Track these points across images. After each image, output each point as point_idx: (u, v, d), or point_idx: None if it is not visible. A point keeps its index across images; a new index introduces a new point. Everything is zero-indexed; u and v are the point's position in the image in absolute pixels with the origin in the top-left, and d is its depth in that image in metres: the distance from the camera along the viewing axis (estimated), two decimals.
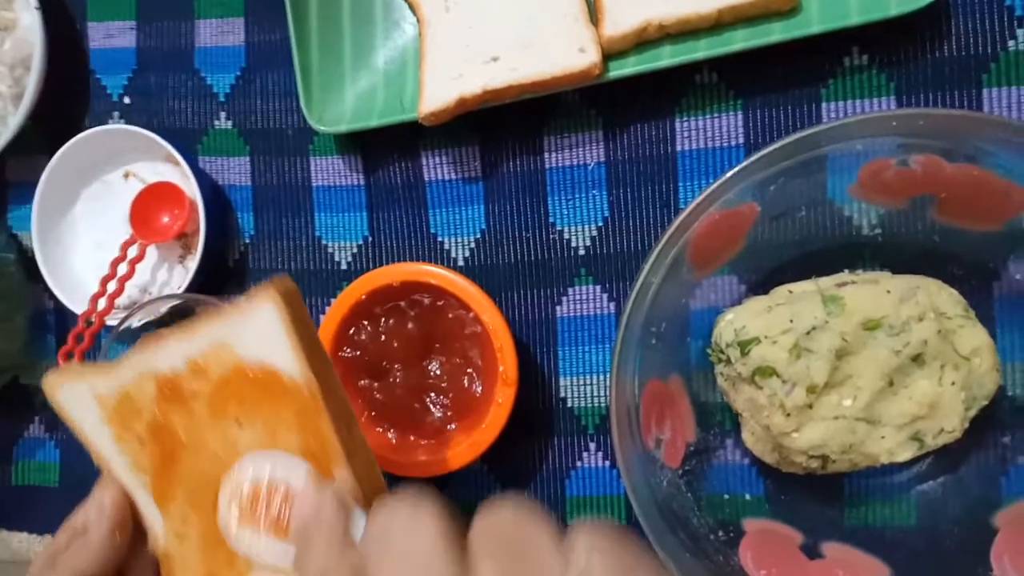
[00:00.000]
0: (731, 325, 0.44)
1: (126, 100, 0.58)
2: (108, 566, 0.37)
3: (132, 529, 0.37)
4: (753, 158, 0.40)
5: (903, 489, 0.46)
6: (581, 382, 0.52)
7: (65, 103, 0.59)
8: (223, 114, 0.56)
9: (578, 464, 0.52)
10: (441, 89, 0.47)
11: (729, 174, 0.40)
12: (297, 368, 0.34)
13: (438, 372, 0.50)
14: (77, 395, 0.37)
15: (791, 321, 0.42)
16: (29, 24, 0.56)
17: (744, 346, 0.43)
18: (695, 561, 0.41)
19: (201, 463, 0.36)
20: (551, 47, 0.46)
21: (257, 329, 0.34)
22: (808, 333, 0.42)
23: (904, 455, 0.42)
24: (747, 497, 0.47)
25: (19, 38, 0.56)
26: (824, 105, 0.48)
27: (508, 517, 0.25)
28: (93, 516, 0.36)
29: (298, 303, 0.35)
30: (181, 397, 0.36)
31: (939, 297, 0.43)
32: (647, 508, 0.41)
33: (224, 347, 0.35)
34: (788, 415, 0.42)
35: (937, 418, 0.42)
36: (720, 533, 0.45)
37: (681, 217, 0.41)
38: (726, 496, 0.47)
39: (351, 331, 0.49)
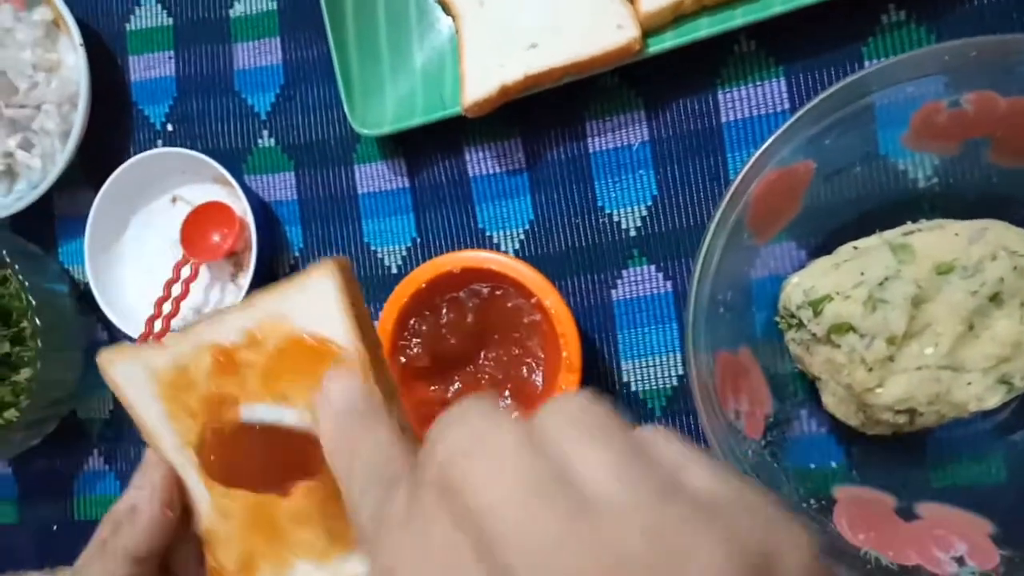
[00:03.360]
0: (799, 287, 0.44)
1: (169, 127, 0.59)
2: (158, 544, 0.38)
3: (181, 509, 0.38)
4: (804, 110, 0.40)
5: (990, 441, 0.45)
6: (643, 364, 0.51)
7: (110, 136, 0.60)
8: (265, 132, 0.57)
9: None
10: (482, 80, 0.48)
11: (782, 129, 0.40)
12: (350, 339, 0.35)
13: (495, 364, 0.49)
14: (131, 371, 0.38)
15: (862, 274, 0.41)
16: (74, 63, 0.58)
17: (816, 305, 0.42)
18: None
19: None
20: (589, 27, 0.47)
21: (313, 301, 0.35)
22: (881, 284, 0.41)
23: (993, 400, 0.40)
24: (833, 465, 0.46)
25: (65, 77, 0.58)
26: (867, 63, 0.48)
27: (575, 402, 0.22)
28: (144, 494, 0.37)
29: (351, 279, 0.37)
30: (235, 368, 0.36)
31: (1007, 236, 0.42)
32: None
33: (281, 318, 0.36)
34: (870, 370, 0.41)
35: (1023, 358, 0.40)
36: (812, 502, 0.43)
37: (739, 177, 0.41)
38: (812, 466, 0.46)
39: (412, 323, 0.48)
